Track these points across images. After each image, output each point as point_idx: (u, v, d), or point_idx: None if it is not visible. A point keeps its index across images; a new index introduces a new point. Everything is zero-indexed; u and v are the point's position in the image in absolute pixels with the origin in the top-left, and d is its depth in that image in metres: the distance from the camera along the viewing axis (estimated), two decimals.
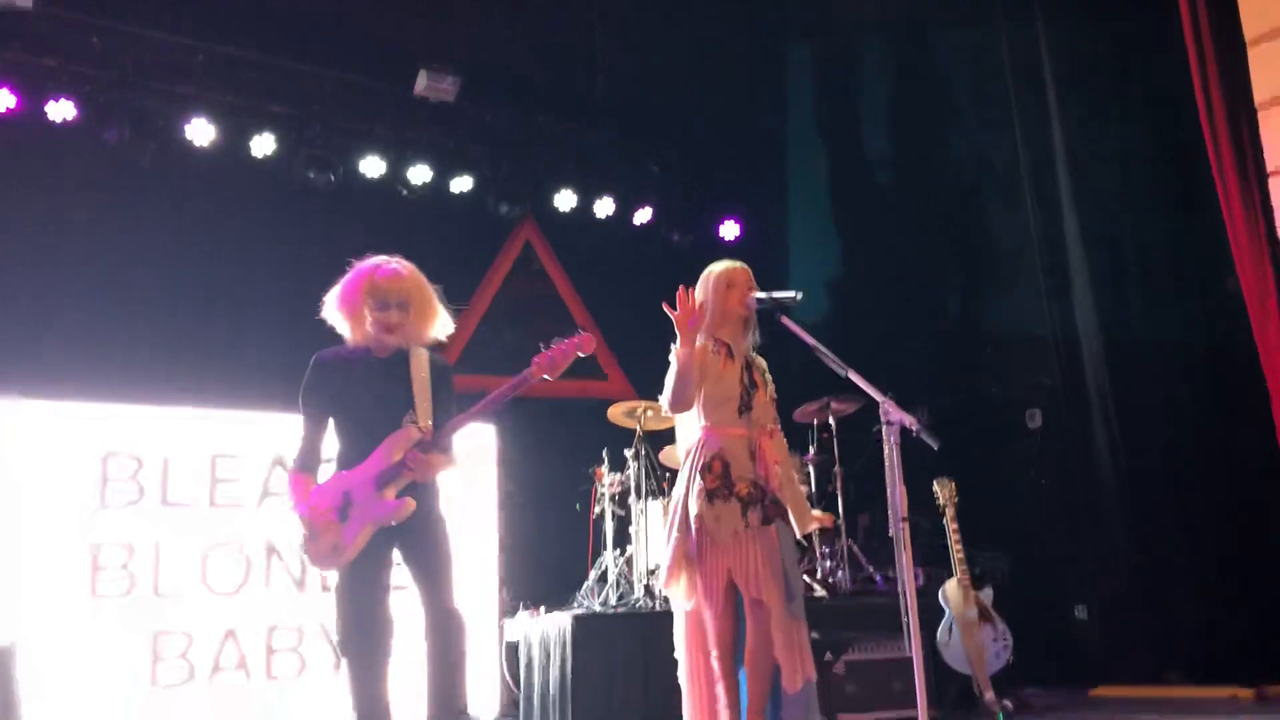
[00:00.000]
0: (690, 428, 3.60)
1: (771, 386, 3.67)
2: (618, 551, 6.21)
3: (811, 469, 6.58)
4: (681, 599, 3.45)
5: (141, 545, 5.51)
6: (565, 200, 7.95)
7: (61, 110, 6.23)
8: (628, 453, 6.22)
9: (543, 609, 6.10)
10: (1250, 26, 4.90)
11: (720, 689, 3.36)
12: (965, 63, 7.42)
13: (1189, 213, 6.26)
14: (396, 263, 3.69)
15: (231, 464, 5.79)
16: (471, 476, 6.86)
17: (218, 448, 5.79)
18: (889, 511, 3.37)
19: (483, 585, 6.47)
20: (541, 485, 7.12)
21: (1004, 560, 6.67)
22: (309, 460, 3.66)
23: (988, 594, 5.58)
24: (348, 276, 3.69)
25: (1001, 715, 5.20)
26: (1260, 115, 4.88)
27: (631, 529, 6.12)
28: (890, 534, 3.27)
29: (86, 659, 5.35)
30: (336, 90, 7.13)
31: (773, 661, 3.33)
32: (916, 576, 4.28)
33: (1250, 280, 4.95)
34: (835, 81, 7.54)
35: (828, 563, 6.15)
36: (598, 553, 6.41)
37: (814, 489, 6.49)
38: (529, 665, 5.89)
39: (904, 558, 3.28)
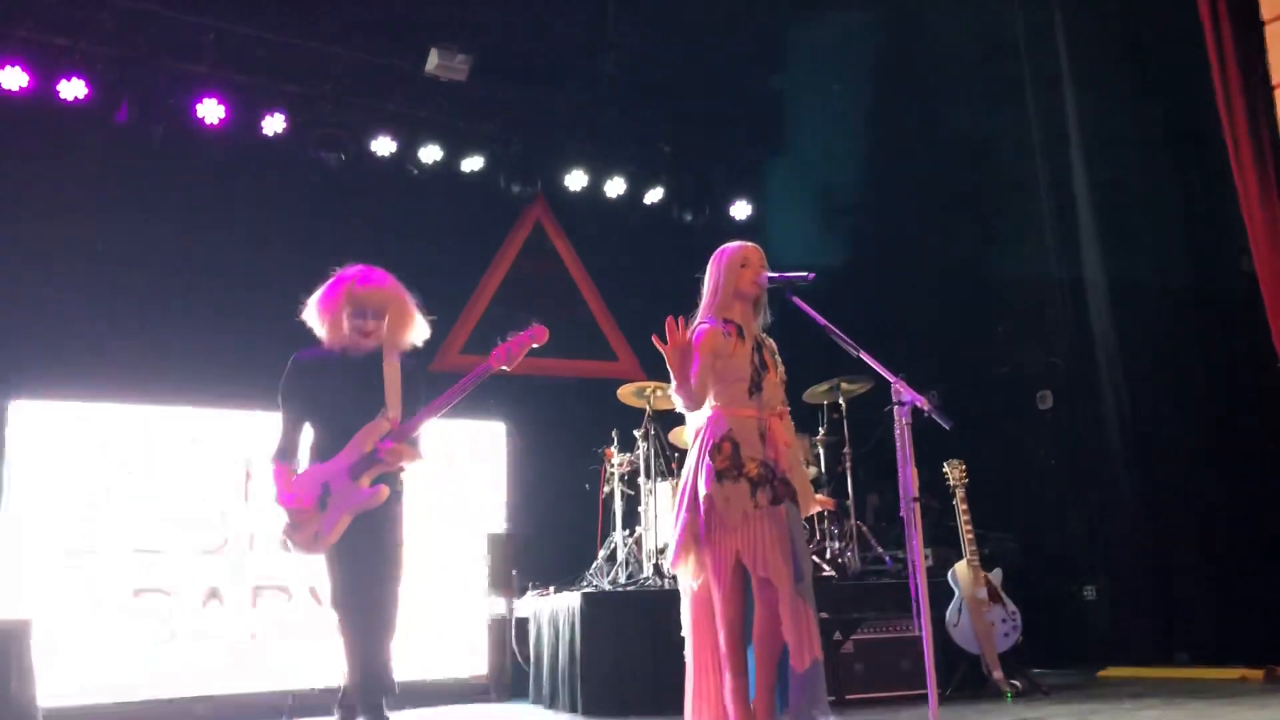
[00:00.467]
0: (700, 408, 3.60)
1: (782, 368, 3.66)
2: (627, 531, 6.23)
3: (821, 449, 6.57)
4: (689, 579, 3.46)
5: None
6: (576, 180, 7.94)
7: (73, 89, 6.24)
8: (637, 433, 6.23)
9: (552, 588, 6.13)
10: (1268, 6, 4.87)
11: (727, 670, 3.37)
12: (974, 41, 7.37)
13: (1206, 192, 6.24)
14: (376, 273, 3.90)
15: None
16: (481, 457, 6.91)
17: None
18: (899, 492, 3.38)
19: (483, 566, 6.53)
20: (551, 465, 7.14)
21: (1013, 541, 6.68)
22: (288, 452, 3.89)
23: (997, 574, 5.59)
24: (329, 283, 3.90)
25: (1010, 695, 5.23)
26: (1277, 94, 4.85)
27: (640, 509, 6.14)
28: (900, 514, 3.28)
29: (93, 636, 5.61)
30: (347, 69, 7.10)
31: (781, 641, 3.33)
32: (925, 557, 4.29)
33: (1265, 257, 4.94)
34: (850, 60, 7.48)
35: (837, 543, 6.16)
36: (607, 532, 6.44)
37: (824, 469, 6.49)
38: (538, 643, 5.94)
39: (914, 538, 3.29)
